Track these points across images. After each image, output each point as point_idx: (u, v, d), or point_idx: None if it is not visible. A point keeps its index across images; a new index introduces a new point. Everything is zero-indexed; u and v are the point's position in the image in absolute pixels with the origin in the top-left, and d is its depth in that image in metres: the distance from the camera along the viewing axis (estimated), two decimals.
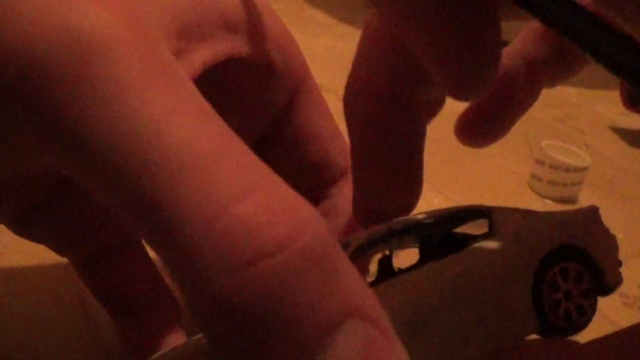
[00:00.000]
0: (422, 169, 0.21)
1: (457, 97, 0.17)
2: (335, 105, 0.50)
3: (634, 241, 0.42)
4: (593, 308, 0.20)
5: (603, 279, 0.21)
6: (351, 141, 0.21)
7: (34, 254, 0.27)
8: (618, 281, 0.22)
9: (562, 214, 0.21)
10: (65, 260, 0.24)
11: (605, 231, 0.22)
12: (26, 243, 0.27)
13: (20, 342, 0.23)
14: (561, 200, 0.44)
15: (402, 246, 0.22)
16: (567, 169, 0.43)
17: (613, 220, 0.45)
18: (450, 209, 0.21)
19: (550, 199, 0.44)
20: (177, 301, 0.22)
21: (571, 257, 0.20)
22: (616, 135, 0.59)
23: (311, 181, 0.23)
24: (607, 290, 0.21)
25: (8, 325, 0.23)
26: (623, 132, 0.59)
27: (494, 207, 0.21)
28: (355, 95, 0.20)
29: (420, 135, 0.21)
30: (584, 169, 0.44)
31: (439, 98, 0.21)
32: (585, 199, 0.45)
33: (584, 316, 0.20)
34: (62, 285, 0.26)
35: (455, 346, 0.17)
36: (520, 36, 0.23)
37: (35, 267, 0.26)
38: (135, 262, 0.22)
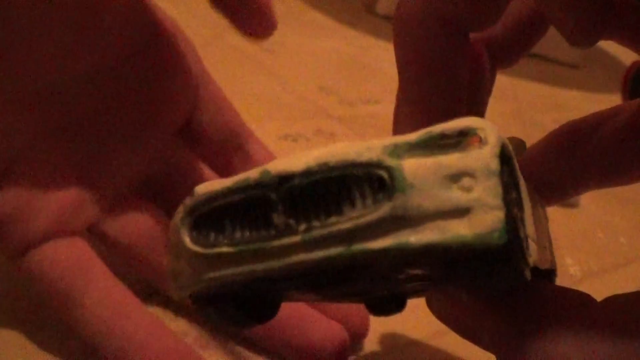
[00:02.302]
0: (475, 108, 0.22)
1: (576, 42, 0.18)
2: (336, 108, 0.50)
3: (636, 245, 0.42)
4: None
5: None
6: (400, 61, 0.21)
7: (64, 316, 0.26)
8: None
9: None
10: None
11: None
12: None
13: (20, 342, 0.23)
14: (563, 204, 0.44)
15: None
16: None
17: (615, 224, 0.45)
18: None
19: None
20: None
21: None
22: None
23: (225, 146, 0.28)
24: None
25: (8, 325, 0.23)
26: None
27: None
28: (413, 16, 0.20)
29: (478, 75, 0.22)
30: None
31: (503, 50, 0.22)
32: (586, 203, 0.45)
33: None
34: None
35: None
36: None
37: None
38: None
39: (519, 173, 0.15)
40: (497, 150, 0.13)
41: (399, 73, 0.20)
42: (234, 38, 0.57)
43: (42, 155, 0.23)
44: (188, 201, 0.15)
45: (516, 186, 0.14)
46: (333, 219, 0.13)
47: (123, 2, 0.23)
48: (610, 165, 0.22)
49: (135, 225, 0.24)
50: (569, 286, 0.18)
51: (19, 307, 0.24)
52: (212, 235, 0.14)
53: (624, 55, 0.82)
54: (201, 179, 0.26)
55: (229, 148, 0.28)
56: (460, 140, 0.13)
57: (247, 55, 0.56)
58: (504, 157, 0.13)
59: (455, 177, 0.12)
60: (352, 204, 0.13)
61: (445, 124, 0.13)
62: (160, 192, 0.26)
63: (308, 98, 0.50)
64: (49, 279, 0.22)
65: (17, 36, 0.21)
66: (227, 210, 0.14)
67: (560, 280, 0.36)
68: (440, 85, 0.20)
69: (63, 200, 0.23)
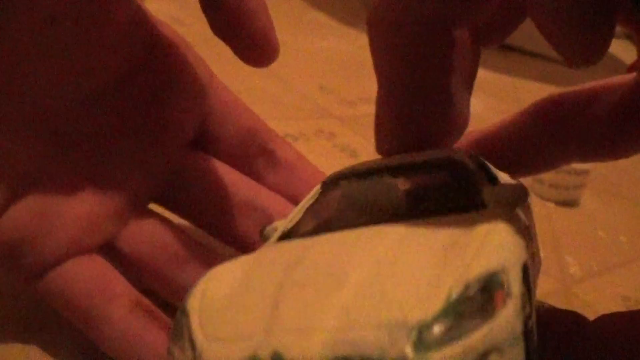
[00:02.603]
0: (461, 101, 0.20)
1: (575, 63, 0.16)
2: (336, 107, 0.50)
3: (636, 244, 0.42)
4: None
5: None
6: (379, 67, 0.20)
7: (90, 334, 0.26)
8: None
9: None
10: None
11: None
12: None
13: (21, 344, 0.23)
14: (563, 203, 0.44)
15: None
16: (570, 172, 0.43)
17: (616, 223, 0.45)
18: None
19: (552, 201, 0.44)
20: None
21: None
22: None
23: (248, 152, 0.27)
24: None
25: (9, 326, 0.23)
26: None
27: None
28: (390, 18, 0.19)
29: (462, 65, 0.20)
30: (586, 172, 0.44)
31: (488, 27, 0.21)
32: (587, 202, 0.45)
33: None
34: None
35: None
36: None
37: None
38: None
39: (532, 278, 0.14)
40: (519, 300, 0.12)
41: (378, 77, 0.19)
42: None
43: (53, 175, 0.22)
44: None
45: (530, 292, 0.14)
46: None
47: (123, 17, 0.23)
48: (600, 140, 0.22)
49: (150, 241, 0.24)
50: (569, 286, 0.18)
51: (19, 307, 0.24)
52: None
53: (625, 54, 0.82)
54: (220, 182, 0.26)
55: (251, 149, 0.27)
56: (484, 301, 0.12)
57: None
58: (525, 280, 0.13)
59: (482, 357, 0.12)
60: None
61: (464, 272, 0.13)
62: (180, 200, 0.26)
63: (308, 97, 0.50)
64: (72, 298, 0.22)
65: (23, 60, 0.21)
66: None
67: (560, 280, 0.36)
68: (423, 87, 0.19)
69: (78, 219, 0.23)
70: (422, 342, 0.12)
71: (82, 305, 0.22)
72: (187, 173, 0.26)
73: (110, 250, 0.24)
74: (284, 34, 0.64)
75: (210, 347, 0.14)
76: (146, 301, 0.23)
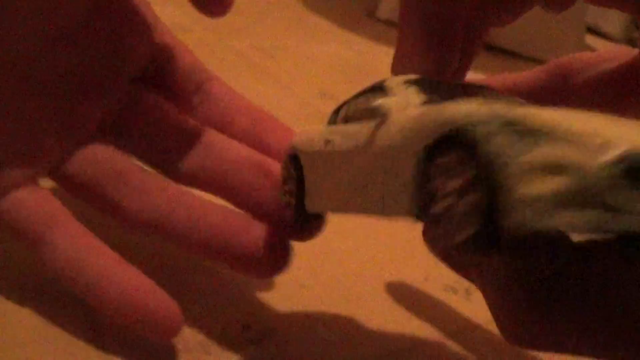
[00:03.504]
0: (464, 51, 0.23)
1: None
2: None
3: None
4: None
5: None
6: (403, 16, 0.22)
7: (35, 257, 0.27)
8: None
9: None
10: None
11: None
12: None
13: (22, 345, 0.23)
14: None
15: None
16: None
17: None
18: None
19: None
20: None
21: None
22: None
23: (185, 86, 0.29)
24: None
25: (10, 327, 0.24)
26: None
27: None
28: None
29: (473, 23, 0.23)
30: None
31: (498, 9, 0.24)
32: None
33: None
34: (64, 287, 0.26)
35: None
36: None
37: (37, 269, 0.26)
38: None
39: None
40: None
41: (400, 26, 0.22)
42: (236, 43, 0.57)
43: (14, 112, 0.24)
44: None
45: None
46: None
47: None
48: (597, 98, 0.25)
49: (97, 166, 0.26)
50: None
51: (18, 307, 0.25)
52: None
53: None
54: (165, 117, 0.28)
55: (189, 86, 0.29)
56: None
57: (248, 60, 0.56)
58: None
59: None
60: None
61: None
62: (126, 133, 0.28)
63: (309, 103, 0.50)
64: (18, 226, 0.24)
65: None
66: None
67: None
68: (437, 37, 0.22)
69: (22, 148, 0.24)
70: None
71: (27, 232, 0.24)
72: (134, 106, 0.28)
73: (58, 176, 0.26)
74: (284, 38, 0.64)
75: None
76: (86, 229, 0.24)
